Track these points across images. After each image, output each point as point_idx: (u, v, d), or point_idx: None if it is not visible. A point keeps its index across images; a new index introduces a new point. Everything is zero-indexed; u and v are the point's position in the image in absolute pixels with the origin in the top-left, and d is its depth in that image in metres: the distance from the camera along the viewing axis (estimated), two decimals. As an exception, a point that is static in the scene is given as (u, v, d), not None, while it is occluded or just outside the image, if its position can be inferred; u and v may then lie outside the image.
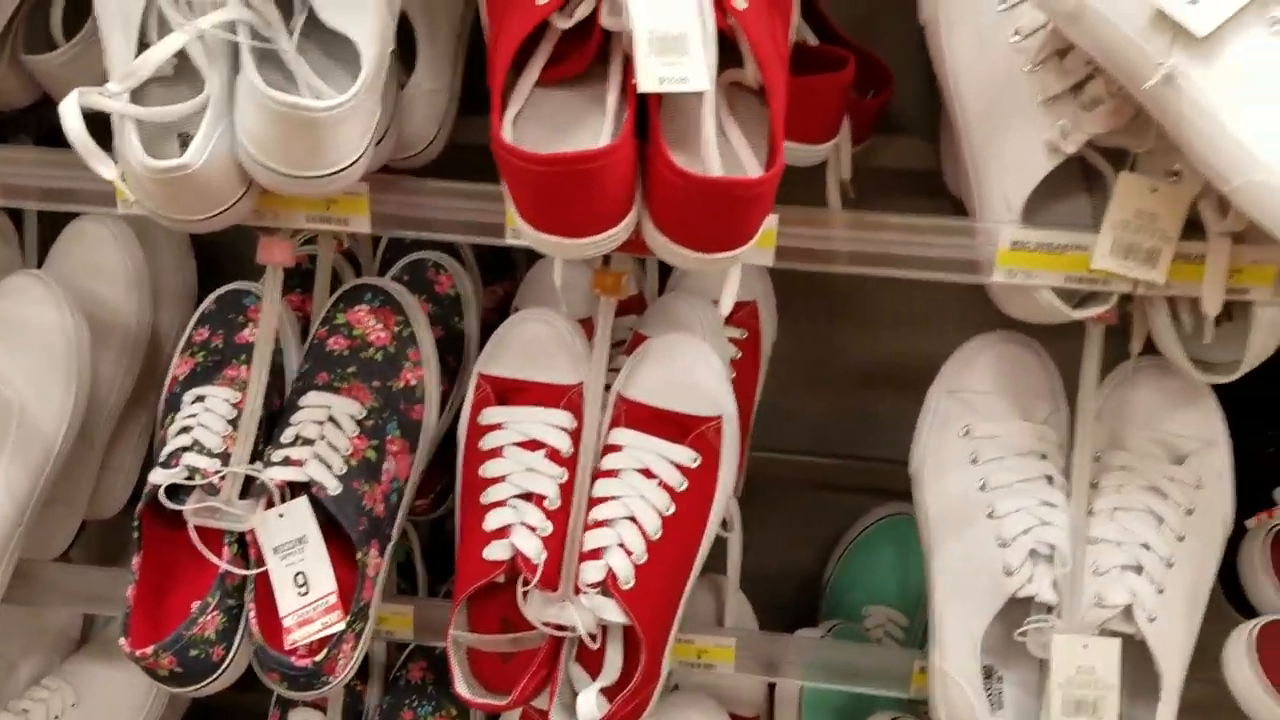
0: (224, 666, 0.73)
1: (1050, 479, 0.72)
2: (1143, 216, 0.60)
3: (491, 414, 0.74)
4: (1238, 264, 0.61)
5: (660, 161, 0.57)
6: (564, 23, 0.59)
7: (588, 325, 0.81)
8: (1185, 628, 0.69)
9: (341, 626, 0.70)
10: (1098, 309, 0.65)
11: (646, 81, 0.55)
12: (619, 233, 0.59)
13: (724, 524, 0.86)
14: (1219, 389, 0.88)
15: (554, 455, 0.73)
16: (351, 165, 0.60)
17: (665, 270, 0.93)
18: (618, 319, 0.88)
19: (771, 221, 0.65)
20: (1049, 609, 0.69)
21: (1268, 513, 0.80)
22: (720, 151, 0.61)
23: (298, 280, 0.86)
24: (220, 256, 0.98)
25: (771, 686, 0.94)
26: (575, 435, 0.73)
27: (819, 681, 0.81)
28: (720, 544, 0.85)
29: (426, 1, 0.77)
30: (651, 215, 0.60)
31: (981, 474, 0.73)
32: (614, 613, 0.70)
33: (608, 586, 0.70)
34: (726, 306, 0.66)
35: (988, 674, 0.72)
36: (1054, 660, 0.67)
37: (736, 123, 0.63)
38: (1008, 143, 0.64)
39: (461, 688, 0.73)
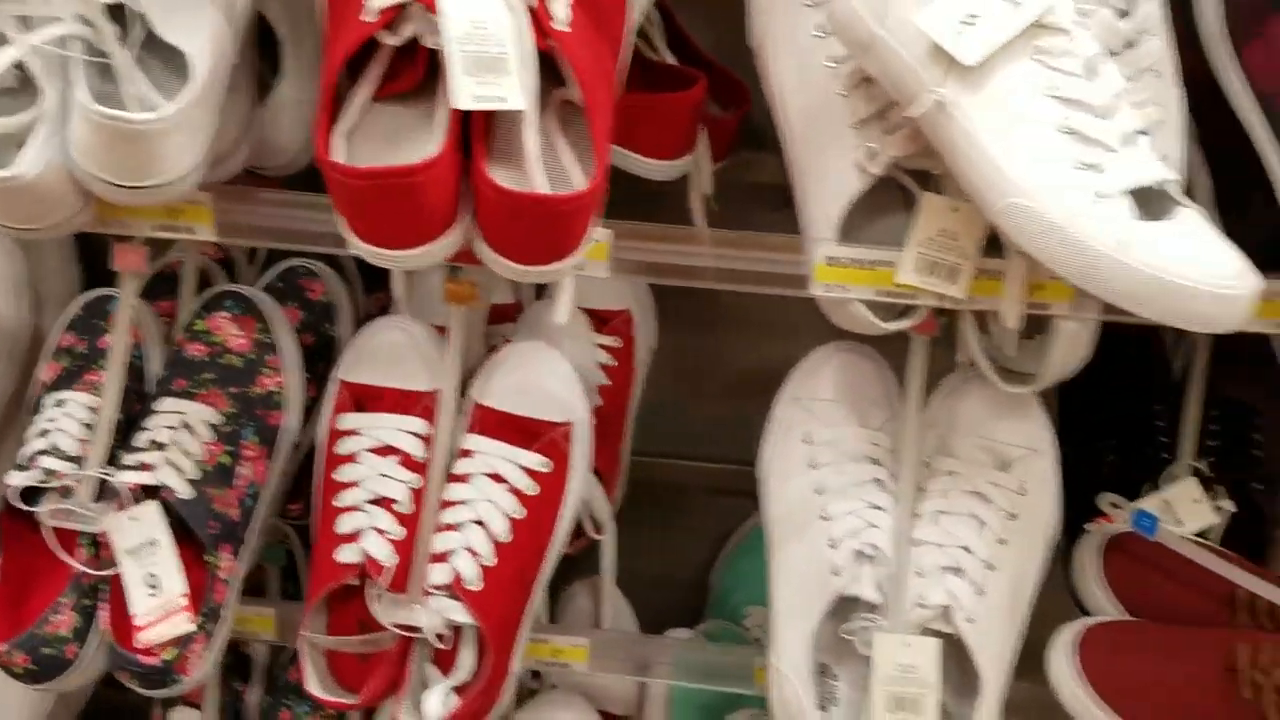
0: (77, 664, 0.74)
1: (881, 483, 0.75)
2: (945, 235, 0.63)
3: (347, 420, 0.76)
4: (1039, 280, 0.64)
5: (478, 176, 0.59)
6: (392, 40, 0.62)
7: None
8: (1006, 629, 0.72)
9: (191, 627, 0.72)
10: (908, 322, 0.68)
11: (461, 99, 0.57)
12: (445, 245, 0.61)
13: (596, 527, 0.89)
14: (1069, 398, 0.93)
15: (407, 461, 0.75)
16: (182, 177, 0.62)
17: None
18: (493, 326, 0.91)
19: (605, 235, 0.68)
20: (875, 608, 0.72)
21: (1106, 519, 0.83)
22: (548, 167, 0.64)
23: (169, 286, 0.88)
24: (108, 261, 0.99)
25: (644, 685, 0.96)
26: (430, 441, 0.75)
27: (671, 679, 0.83)
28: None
29: (292, 13, 0.79)
30: (478, 228, 0.62)
31: (818, 478, 0.76)
32: (460, 614, 0.72)
33: (454, 589, 0.72)
34: (561, 315, 0.68)
35: (823, 672, 0.75)
36: (875, 658, 0.70)
37: (568, 140, 0.66)
38: (826, 163, 0.67)
39: (313, 686, 0.75)
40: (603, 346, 0.93)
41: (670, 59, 0.84)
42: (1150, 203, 0.56)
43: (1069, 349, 0.67)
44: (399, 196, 0.58)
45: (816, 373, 0.81)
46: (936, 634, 0.70)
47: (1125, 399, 0.89)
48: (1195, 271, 0.52)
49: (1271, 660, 0.68)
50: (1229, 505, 0.84)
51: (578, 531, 0.89)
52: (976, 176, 0.55)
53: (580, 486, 0.78)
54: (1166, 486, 0.84)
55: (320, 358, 0.86)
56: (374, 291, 1.00)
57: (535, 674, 0.97)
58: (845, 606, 0.74)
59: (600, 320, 0.93)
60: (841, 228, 0.67)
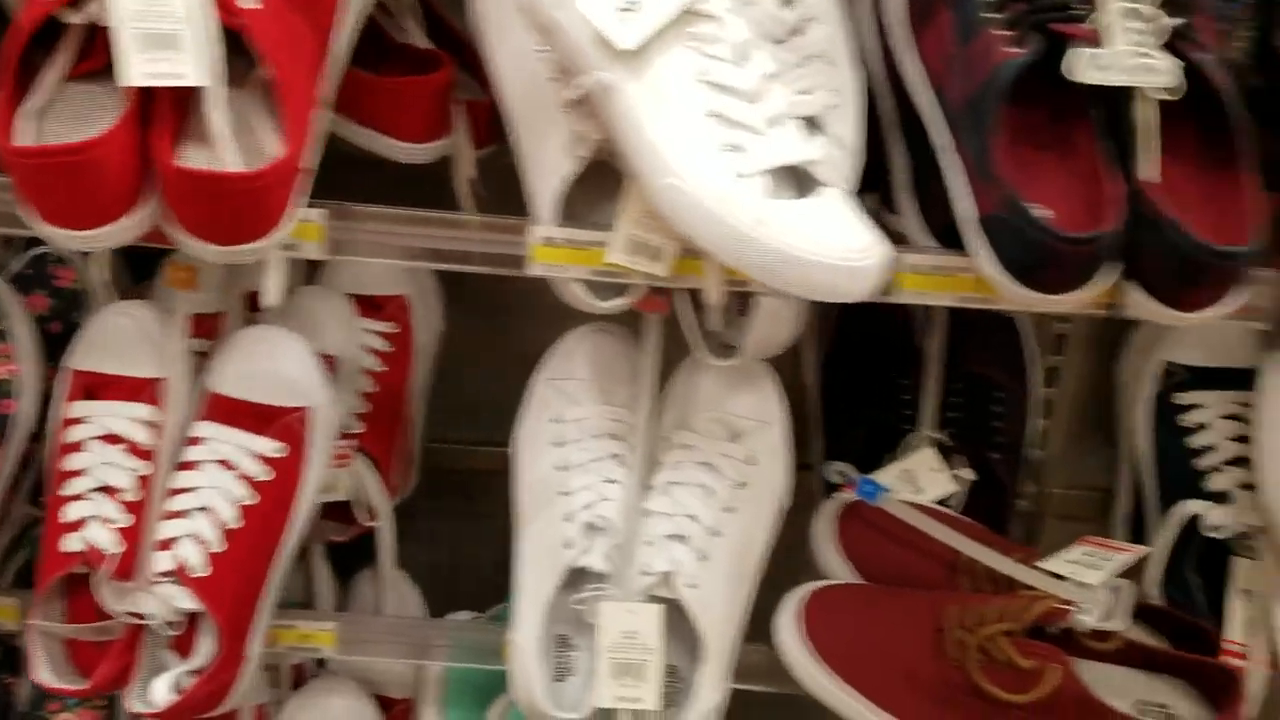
0: None
1: (620, 458, 0.77)
2: (650, 216, 0.64)
3: (75, 408, 0.75)
4: (738, 259, 0.66)
5: (156, 154, 0.59)
6: (75, 18, 0.61)
7: (218, 319, 0.83)
8: (731, 593, 0.74)
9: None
10: (623, 301, 0.70)
11: (132, 76, 0.57)
12: (128, 225, 0.61)
13: (371, 514, 0.90)
14: (830, 374, 0.96)
15: (134, 449, 0.74)
16: None
17: (312, 265, 0.95)
18: (256, 314, 0.90)
19: (318, 215, 0.68)
20: (605, 579, 0.74)
21: (850, 488, 0.86)
22: (248, 147, 0.64)
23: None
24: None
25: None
26: (159, 429, 0.75)
27: (422, 659, 0.84)
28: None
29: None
30: (166, 208, 0.62)
31: (561, 455, 0.78)
32: (186, 600, 0.72)
33: (179, 575, 0.71)
34: (270, 297, 0.68)
35: (564, 643, 0.77)
36: (600, 626, 0.71)
37: (272, 120, 0.65)
38: (542, 146, 0.68)
39: (41, 673, 0.74)
40: (376, 332, 0.93)
41: (423, 42, 0.85)
42: (805, 184, 0.58)
43: (770, 324, 0.69)
44: (70, 175, 0.57)
45: (570, 354, 0.83)
46: (661, 600, 0.72)
47: (877, 374, 0.93)
48: (821, 246, 0.54)
49: (975, 620, 0.72)
50: (968, 474, 0.88)
51: (352, 519, 0.90)
52: (638, 158, 0.57)
53: (319, 471, 0.78)
54: (906, 456, 0.88)
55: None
56: (143, 281, 0.99)
57: (320, 661, 0.97)
58: (585, 579, 0.76)
59: (374, 306, 0.93)
60: (563, 208, 0.68)
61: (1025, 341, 0.93)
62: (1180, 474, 0.89)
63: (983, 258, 0.61)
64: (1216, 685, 0.74)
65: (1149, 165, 0.58)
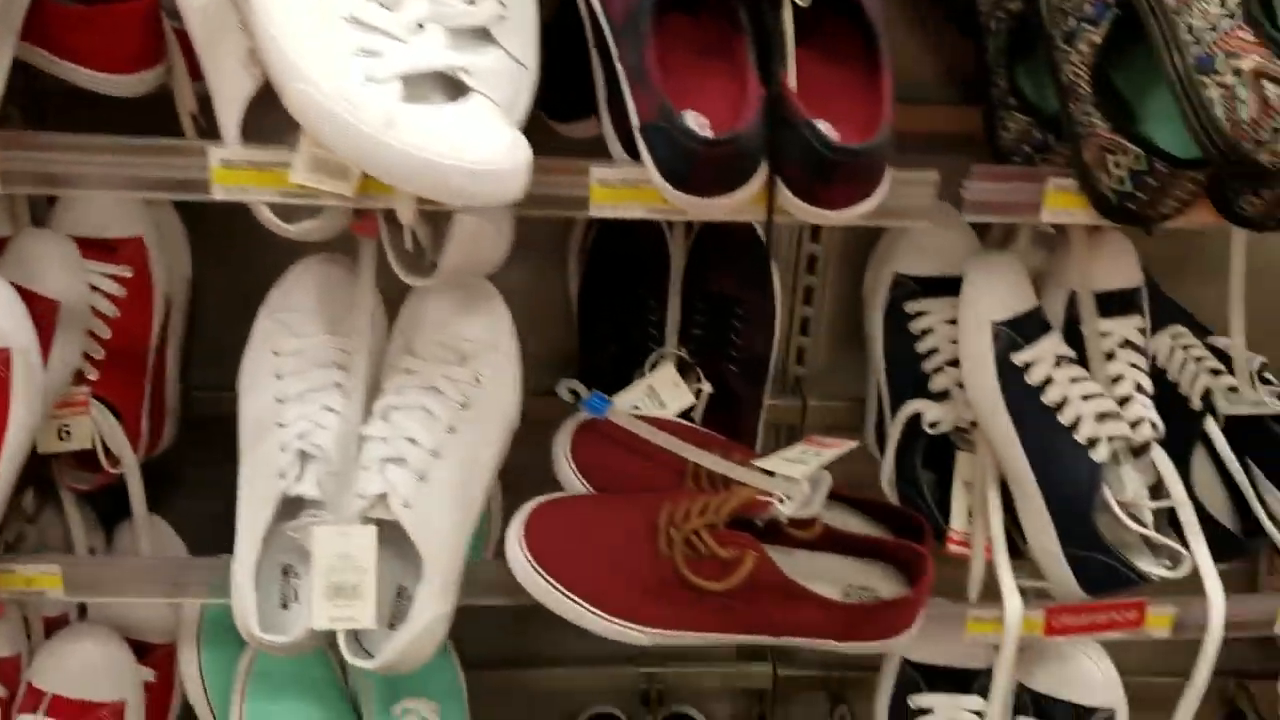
0: None
1: (340, 386, 0.77)
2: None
3: None
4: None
5: None
6: None
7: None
8: (453, 511, 0.76)
9: None
10: (312, 223, 0.69)
11: None
12: None
13: (113, 461, 0.88)
14: (586, 297, 0.98)
15: None
16: None
17: (41, 203, 0.91)
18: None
19: (-19, 146, 0.65)
20: (321, 505, 0.74)
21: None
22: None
23: None
24: None
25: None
26: None
27: (155, 598, 0.84)
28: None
29: None
30: None
31: (280, 388, 0.78)
32: (-116, 548, 0.70)
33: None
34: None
35: (287, 572, 0.77)
36: (314, 551, 0.72)
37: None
38: (222, 65, 0.67)
39: None
40: (109, 275, 0.90)
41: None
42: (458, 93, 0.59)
43: (468, 242, 0.69)
44: None
45: (294, 286, 0.83)
46: (378, 522, 0.73)
47: (630, 294, 0.95)
48: (452, 149, 0.55)
49: (684, 515, 0.75)
50: (706, 387, 0.91)
51: (97, 466, 0.88)
52: (273, 65, 0.57)
53: (29, 415, 0.75)
54: (649, 373, 0.91)
55: None
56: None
57: (83, 611, 0.95)
58: (306, 507, 0.76)
59: (108, 249, 0.90)
60: (244, 129, 0.66)
61: (768, 259, 0.96)
62: (909, 377, 0.95)
63: (647, 165, 0.63)
64: (912, 565, 0.80)
65: (786, 69, 0.60)
